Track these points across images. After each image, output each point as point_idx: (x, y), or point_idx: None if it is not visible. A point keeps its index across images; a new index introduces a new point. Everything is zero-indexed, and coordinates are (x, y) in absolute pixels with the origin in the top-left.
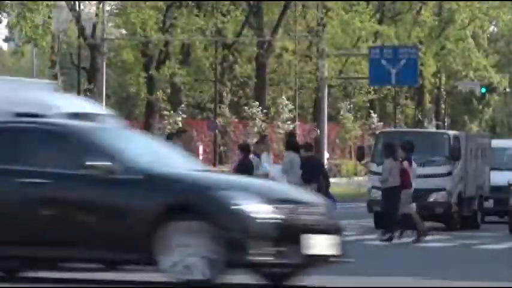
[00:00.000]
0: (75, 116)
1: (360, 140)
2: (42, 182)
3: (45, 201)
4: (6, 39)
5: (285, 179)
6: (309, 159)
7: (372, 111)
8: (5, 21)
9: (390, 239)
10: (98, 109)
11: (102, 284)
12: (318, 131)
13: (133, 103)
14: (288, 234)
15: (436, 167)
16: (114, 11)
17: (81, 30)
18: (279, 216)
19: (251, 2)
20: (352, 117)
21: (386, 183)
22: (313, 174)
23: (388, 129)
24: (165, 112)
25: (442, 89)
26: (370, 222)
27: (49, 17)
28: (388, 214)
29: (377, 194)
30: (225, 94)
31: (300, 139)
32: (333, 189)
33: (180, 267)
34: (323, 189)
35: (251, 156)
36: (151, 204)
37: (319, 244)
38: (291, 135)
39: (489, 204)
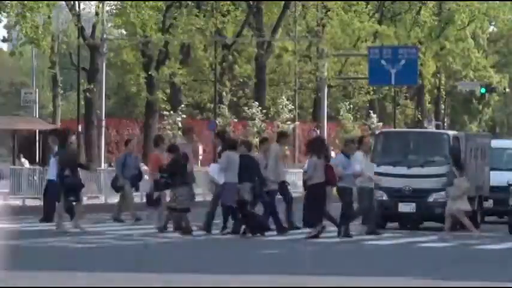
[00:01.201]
0: None
1: None
2: None
3: None
4: (4, 40)
5: (222, 178)
6: (246, 159)
7: (371, 111)
8: (4, 21)
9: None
10: None
11: None
12: (318, 131)
13: (133, 103)
14: None
15: (436, 167)
16: (114, 11)
17: (81, 30)
18: None
19: (251, 2)
20: (352, 117)
21: (312, 180)
22: (248, 173)
23: (387, 130)
24: (165, 112)
25: (441, 89)
26: None
27: (49, 17)
28: (313, 210)
29: (378, 194)
30: (225, 94)
31: (300, 139)
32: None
33: None
34: (257, 189)
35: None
36: None
37: None
38: (223, 134)
39: (489, 204)
